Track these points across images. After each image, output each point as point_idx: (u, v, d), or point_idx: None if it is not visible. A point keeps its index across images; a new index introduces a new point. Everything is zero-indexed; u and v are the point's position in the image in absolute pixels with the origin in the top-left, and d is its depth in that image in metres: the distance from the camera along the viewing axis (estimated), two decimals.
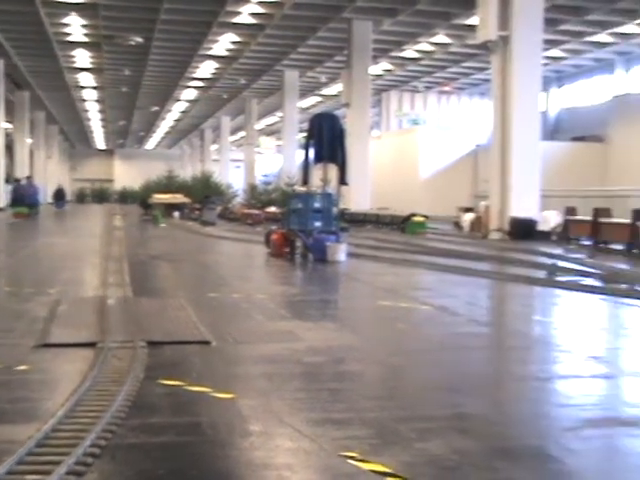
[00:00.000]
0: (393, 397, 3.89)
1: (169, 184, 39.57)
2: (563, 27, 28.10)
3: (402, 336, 5.73)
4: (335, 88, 38.34)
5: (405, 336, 5.74)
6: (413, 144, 38.00)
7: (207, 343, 5.12)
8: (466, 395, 3.92)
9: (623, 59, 36.18)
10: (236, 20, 26.24)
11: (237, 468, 2.92)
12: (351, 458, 2.87)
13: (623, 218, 14.56)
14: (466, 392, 4.00)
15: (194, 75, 36.62)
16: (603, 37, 30.46)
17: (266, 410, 3.56)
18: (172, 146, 72.44)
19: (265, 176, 42.28)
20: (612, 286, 8.61)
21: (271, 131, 54.91)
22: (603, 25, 28.56)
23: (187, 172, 58.84)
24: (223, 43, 29.78)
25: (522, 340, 5.67)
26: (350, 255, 11.78)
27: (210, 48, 30.57)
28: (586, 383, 4.16)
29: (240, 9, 25.00)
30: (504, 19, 17.59)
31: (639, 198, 23.60)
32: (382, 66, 35.20)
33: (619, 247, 13.86)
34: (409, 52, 32.96)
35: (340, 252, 11.44)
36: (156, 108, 46.66)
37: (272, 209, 26.16)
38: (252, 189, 36.94)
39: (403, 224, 20.73)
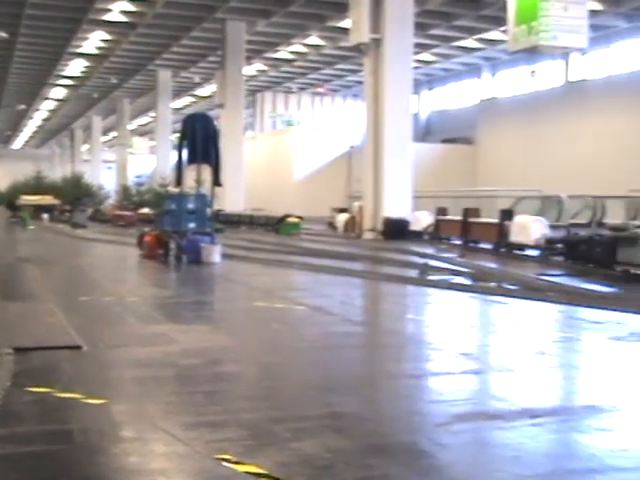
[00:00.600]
0: (268, 397, 3.88)
1: (38, 185, 38.41)
2: (433, 32, 28.80)
3: (277, 336, 5.72)
4: (209, 89, 38.07)
5: (280, 336, 5.73)
6: (287, 145, 38.12)
7: (78, 348, 4.96)
8: (341, 394, 3.94)
9: (490, 64, 37.38)
10: (106, 17, 25.69)
11: (109, 474, 2.84)
12: (226, 460, 2.83)
13: (491, 218, 15.03)
14: (341, 391, 4.02)
15: (63, 73, 35.63)
16: (471, 42, 31.40)
17: (139, 415, 3.48)
18: (41, 146, 70.25)
19: (138, 177, 41.55)
20: (481, 284, 8.87)
21: (144, 131, 54.03)
22: (471, 31, 29.43)
23: (57, 173, 57.18)
24: (93, 41, 29.12)
25: (396, 338, 5.76)
26: (225, 256, 11.70)
27: (80, 46, 29.82)
28: (457, 379, 4.25)
29: (110, 6, 24.50)
30: (376, 22, 17.86)
31: (506, 198, 24.40)
32: (256, 67, 35.20)
33: (488, 246, 14.29)
34: (283, 53, 33.07)
35: (215, 253, 11.35)
36: (23, 107, 45.13)
37: (145, 210, 25.74)
38: (124, 190, 36.28)
39: (277, 225, 20.77)
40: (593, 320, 6.36)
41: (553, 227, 14.81)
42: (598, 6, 25.40)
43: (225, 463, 2.82)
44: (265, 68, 36.55)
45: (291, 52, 33.13)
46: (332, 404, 3.71)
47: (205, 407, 3.61)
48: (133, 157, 48.73)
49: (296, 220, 20.73)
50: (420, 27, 24.83)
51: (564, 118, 32.94)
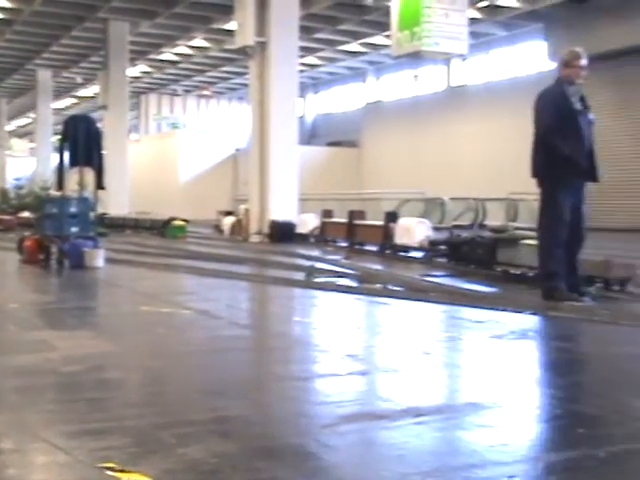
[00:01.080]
0: (153, 403, 3.82)
1: None
2: (318, 35, 29.02)
3: (163, 341, 5.64)
4: (92, 89, 37.26)
5: (166, 341, 5.66)
6: (173, 148, 37.72)
7: None
8: (228, 397, 3.92)
9: (374, 68, 37.91)
10: None
11: None
12: (109, 469, 2.77)
13: (377, 220, 15.24)
14: (228, 394, 4.00)
15: None
16: (355, 47, 31.78)
17: (18, 425, 3.37)
18: None
19: (17, 180, 40.32)
20: (367, 286, 8.99)
21: (24, 133, 52.46)
22: (355, 35, 29.79)
23: None
24: None
25: (283, 341, 5.77)
26: (109, 261, 11.48)
27: None
28: (343, 381, 4.28)
29: None
30: (261, 25, 17.87)
31: (391, 201, 24.79)
32: (140, 68, 34.67)
33: (373, 248, 14.49)
34: (168, 55, 32.72)
35: (98, 258, 11.11)
36: None
37: (25, 214, 24.97)
38: (3, 194, 35.11)
39: (163, 228, 20.50)
40: (475, 319, 6.53)
41: (436, 229, 15.16)
42: (477, 14, 26.12)
43: (108, 472, 2.76)
44: (149, 70, 36.06)
45: (176, 54, 32.80)
46: (219, 408, 3.69)
47: (88, 415, 3.53)
48: (12, 159, 47.24)
49: (182, 223, 20.52)
50: (305, 31, 24.98)
51: (446, 122, 33.72)
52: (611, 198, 24.37)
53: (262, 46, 17.96)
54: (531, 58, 29.89)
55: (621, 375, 4.64)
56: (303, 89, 38.56)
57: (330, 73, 39.44)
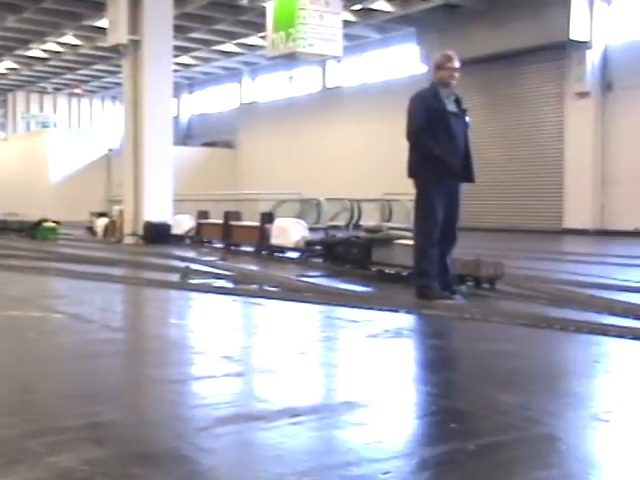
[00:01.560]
0: (22, 411, 3.69)
1: None
2: (193, 35, 28.78)
3: (33, 346, 5.47)
4: None
5: (37, 346, 5.48)
6: (43, 147, 36.63)
7: None
8: (101, 403, 3.83)
9: (250, 69, 37.87)
10: None
11: None
12: None
13: (253, 221, 15.23)
14: (102, 399, 3.90)
15: None
16: (231, 47, 31.67)
17: None
18: None
19: None
20: (243, 287, 8.96)
21: None
22: (230, 35, 29.69)
23: None
24: None
25: (158, 344, 5.68)
26: None
27: None
28: (219, 382, 4.26)
29: None
30: (134, 23, 17.58)
31: (267, 201, 24.84)
32: (6, 65, 33.51)
33: (249, 249, 14.47)
34: (36, 51, 31.71)
35: None
36: None
37: None
38: None
39: (33, 230, 19.86)
40: (350, 319, 6.61)
41: (312, 229, 15.27)
42: (352, 17, 26.47)
43: None
44: (17, 66, 34.89)
45: (45, 50, 31.85)
46: (92, 413, 3.60)
47: None
48: None
49: (53, 225, 19.93)
50: (180, 30, 24.73)
51: (321, 123, 34.03)
52: (481, 199, 25.16)
53: (135, 44, 17.66)
54: (404, 61, 30.50)
55: (491, 371, 4.78)
56: (178, 89, 38.15)
57: (205, 73, 39.15)
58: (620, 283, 8.83)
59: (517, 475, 2.83)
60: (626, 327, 5.91)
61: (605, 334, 5.68)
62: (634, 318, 6.43)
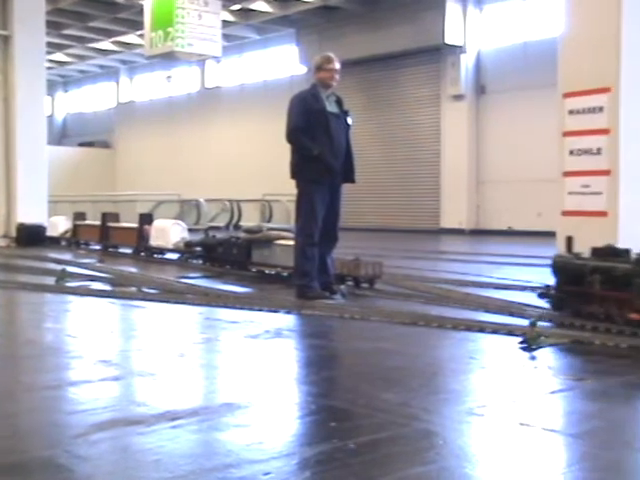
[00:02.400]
0: None
1: None
2: (67, 32, 28.07)
3: None
4: None
5: None
6: None
7: None
8: None
9: (127, 67, 37.22)
10: None
11: None
12: None
13: (131, 222, 14.96)
14: None
15: None
16: (107, 45, 31.04)
17: None
18: None
19: None
20: (121, 289, 8.79)
21: None
22: (107, 33, 29.11)
23: None
24: None
25: (33, 349, 5.50)
26: None
27: None
28: (96, 387, 4.15)
29: None
30: (4, 18, 17.02)
31: (146, 202, 24.48)
32: None
33: (128, 250, 14.21)
34: None
35: None
36: None
37: None
38: None
39: None
40: (230, 320, 6.57)
41: (192, 230, 15.13)
42: (231, 17, 26.38)
43: None
44: None
45: None
46: None
47: None
48: None
49: None
50: (54, 26, 24.09)
51: (201, 123, 33.78)
52: (361, 199, 25.50)
53: (5, 40, 17.09)
54: (283, 62, 30.59)
55: (371, 369, 4.83)
56: (52, 87, 37.14)
57: (81, 71, 38.25)
58: (495, 281, 9.10)
59: (396, 471, 2.86)
60: (501, 324, 6.09)
61: (481, 331, 5.84)
62: (508, 315, 6.63)
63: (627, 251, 6.03)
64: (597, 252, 6.22)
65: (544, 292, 6.67)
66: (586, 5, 8.60)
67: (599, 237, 8.13)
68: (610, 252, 6.13)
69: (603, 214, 8.18)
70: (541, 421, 3.50)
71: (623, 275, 5.75)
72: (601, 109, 8.26)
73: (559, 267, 6.42)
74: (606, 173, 8.16)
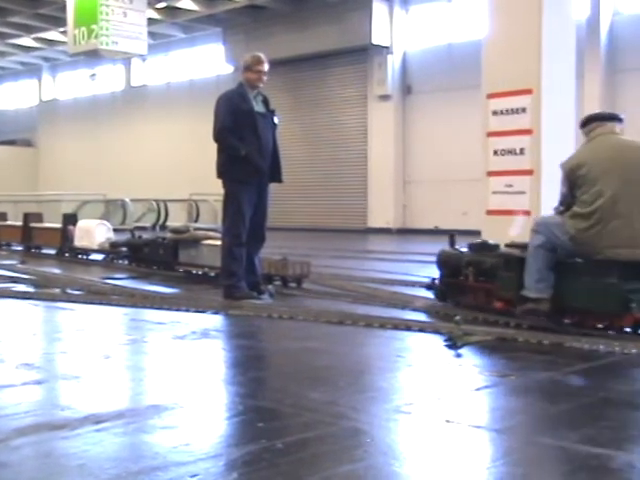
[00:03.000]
0: None
1: None
2: None
3: None
4: None
5: None
6: None
7: None
8: None
9: (50, 65, 36.52)
10: None
11: None
12: None
13: (55, 223, 14.68)
14: None
15: None
16: (28, 41, 30.40)
17: None
18: None
19: None
20: (45, 291, 8.62)
21: None
22: (28, 29, 28.51)
23: None
24: None
25: None
26: None
27: None
28: (18, 391, 4.06)
29: None
30: None
31: (71, 202, 24.05)
32: None
33: (52, 251, 13.94)
34: None
35: None
36: None
37: None
38: None
39: None
40: (157, 321, 6.50)
41: (118, 231, 14.91)
42: (156, 15, 26.13)
43: None
44: None
45: None
46: None
47: None
48: None
49: None
50: None
51: (127, 122, 33.39)
52: (288, 199, 25.51)
53: None
54: (210, 61, 30.40)
55: (298, 368, 4.84)
56: None
57: (1, 68, 37.39)
58: (421, 280, 9.18)
59: (324, 470, 2.87)
60: (427, 322, 6.16)
61: (408, 329, 5.89)
62: (434, 313, 6.71)
63: (497, 246, 6.54)
64: (472, 247, 6.73)
65: (430, 285, 7.14)
66: (508, 8, 8.76)
67: (522, 235, 8.29)
68: (483, 247, 6.64)
69: (526, 213, 8.34)
70: (466, 418, 3.55)
71: (490, 268, 6.27)
72: (524, 110, 8.42)
73: (442, 261, 6.96)
74: (529, 173, 8.33)
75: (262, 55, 7.88)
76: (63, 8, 20.94)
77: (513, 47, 8.60)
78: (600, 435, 3.26)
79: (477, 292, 6.49)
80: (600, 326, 5.55)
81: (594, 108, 20.19)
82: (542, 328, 5.69)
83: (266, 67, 7.79)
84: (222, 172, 7.75)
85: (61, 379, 4.43)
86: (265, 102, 7.88)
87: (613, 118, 5.94)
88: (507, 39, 8.68)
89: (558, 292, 5.65)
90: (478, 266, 6.42)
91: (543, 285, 5.67)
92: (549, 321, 5.79)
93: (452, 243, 7.09)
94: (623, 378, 4.58)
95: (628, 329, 5.41)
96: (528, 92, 8.34)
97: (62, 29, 24.58)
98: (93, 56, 22.23)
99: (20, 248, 15.07)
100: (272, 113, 7.92)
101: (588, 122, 5.92)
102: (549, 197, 8.46)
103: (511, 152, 8.46)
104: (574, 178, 5.69)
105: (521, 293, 5.79)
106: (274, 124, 7.91)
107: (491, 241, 6.71)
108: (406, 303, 7.21)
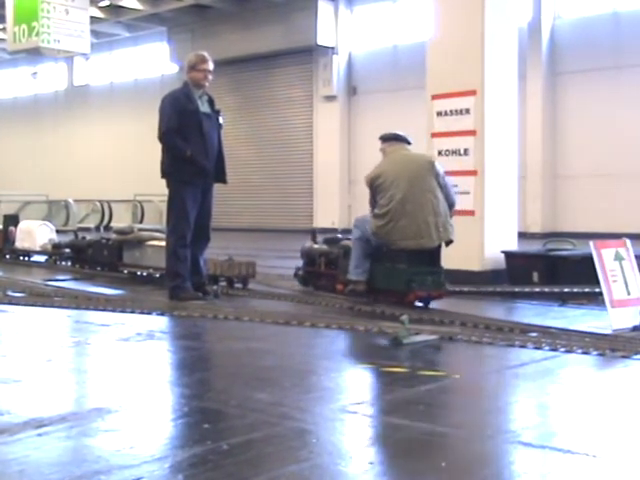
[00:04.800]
0: None
1: None
2: None
3: None
4: None
5: None
6: None
7: None
8: None
9: None
10: None
11: None
12: None
13: None
14: None
15: None
16: None
17: None
18: None
19: None
20: None
21: None
22: None
23: None
24: None
25: None
26: None
27: None
28: None
29: None
30: None
31: (11, 203, 23.65)
32: None
33: None
34: None
35: None
36: None
37: None
38: None
39: None
40: (101, 323, 6.43)
41: (61, 232, 14.71)
42: (100, 13, 25.84)
43: None
44: None
45: None
46: None
47: None
48: None
49: None
50: None
51: (69, 122, 32.97)
52: (234, 199, 25.43)
53: None
54: (154, 60, 30.15)
55: (244, 369, 4.82)
56: None
57: None
58: None
59: (269, 471, 2.86)
60: (372, 322, 6.18)
61: (352, 329, 5.91)
62: (380, 313, 6.75)
63: (343, 239, 8.07)
64: (326, 241, 8.30)
65: (295, 273, 8.55)
66: (451, 11, 8.85)
67: (467, 235, 8.38)
68: (333, 240, 8.21)
69: (470, 213, 8.44)
70: (413, 416, 3.57)
71: (335, 257, 7.76)
72: (468, 111, 8.51)
73: (303, 253, 8.39)
74: (473, 173, 8.42)
75: (206, 54, 7.84)
76: (2, 4, 20.58)
77: (457, 49, 8.69)
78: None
79: (327, 277, 7.93)
80: (394, 300, 6.97)
81: (536, 109, 20.55)
82: (485, 327, 5.79)
83: (211, 66, 7.75)
84: (167, 172, 7.69)
85: (1, 383, 4.35)
86: (210, 102, 7.84)
87: (404, 140, 7.31)
88: (451, 41, 8.77)
89: (371, 275, 7.04)
90: (327, 256, 7.91)
91: (360, 270, 7.02)
92: (367, 299, 7.15)
93: (314, 238, 8.46)
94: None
95: (418, 303, 6.91)
96: (472, 93, 8.44)
97: (1, 26, 24.16)
98: (34, 54, 21.91)
99: None
100: (217, 113, 7.88)
101: (386, 140, 7.33)
102: (493, 197, 8.57)
103: (455, 152, 8.55)
104: (375, 186, 7.14)
105: (347, 277, 7.15)
106: (219, 124, 7.87)
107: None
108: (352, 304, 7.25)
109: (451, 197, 7.13)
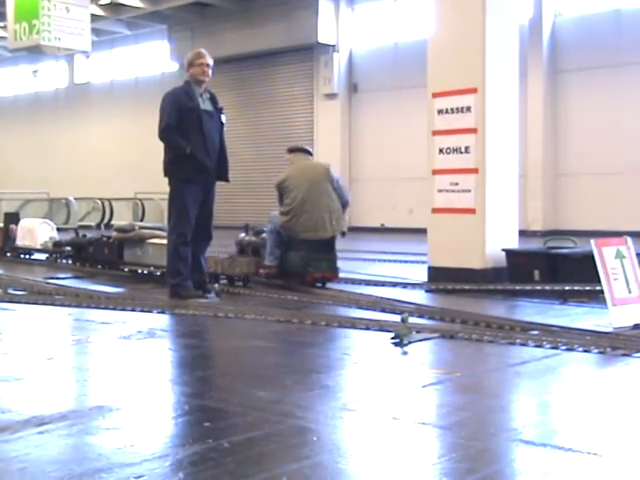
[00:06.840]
0: None
1: None
2: None
3: None
4: None
5: None
6: None
7: None
8: None
9: None
10: None
11: None
12: None
13: None
14: None
15: None
16: None
17: None
18: None
19: None
20: None
21: None
22: None
23: None
24: None
25: None
26: None
27: None
28: None
29: None
30: None
31: (12, 201, 23.67)
32: None
33: None
34: None
35: None
36: None
37: None
38: None
39: None
40: (102, 321, 6.43)
41: (62, 230, 14.72)
42: (100, 11, 25.83)
43: None
44: None
45: None
46: None
47: None
48: None
49: None
50: None
51: (70, 120, 32.95)
52: (235, 197, 25.42)
53: None
54: (155, 58, 30.13)
55: (245, 367, 4.82)
56: None
57: None
58: (367, 277, 9.23)
59: (270, 469, 2.86)
60: (372, 320, 6.18)
61: (353, 327, 5.91)
62: (380, 310, 6.75)
63: (263, 231, 9.07)
64: (255, 232, 9.27)
65: None
66: (452, 8, 8.83)
67: (468, 233, 8.39)
68: (259, 232, 9.18)
69: (471, 211, 8.42)
70: (413, 414, 3.57)
71: (258, 247, 8.86)
72: (469, 109, 8.49)
73: (237, 243, 9.31)
74: (474, 171, 8.40)
75: (202, 50, 7.86)
76: (3, 2, 20.57)
77: (457, 47, 8.68)
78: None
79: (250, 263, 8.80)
80: (298, 281, 8.34)
81: (537, 107, 20.53)
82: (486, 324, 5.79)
83: (208, 60, 7.73)
84: (168, 170, 7.69)
85: (2, 381, 4.35)
86: (212, 100, 7.83)
87: (307, 151, 9.04)
88: (452, 39, 8.76)
89: (281, 261, 8.47)
90: (254, 245, 8.95)
91: (272, 257, 8.43)
92: (280, 281, 8.50)
93: (246, 230, 9.38)
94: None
95: (319, 284, 8.33)
96: (473, 91, 8.43)
97: (2, 24, 24.14)
98: (35, 52, 21.88)
99: None
100: (220, 111, 7.88)
101: (292, 152, 8.98)
102: (494, 195, 8.56)
103: (456, 150, 8.54)
104: (281, 188, 8.62)
105: (263, 263, 8.50)
106: (221, 122, 7.86)
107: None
108: (353, 301, 7.24)
109: (344, 197, 8.69)
